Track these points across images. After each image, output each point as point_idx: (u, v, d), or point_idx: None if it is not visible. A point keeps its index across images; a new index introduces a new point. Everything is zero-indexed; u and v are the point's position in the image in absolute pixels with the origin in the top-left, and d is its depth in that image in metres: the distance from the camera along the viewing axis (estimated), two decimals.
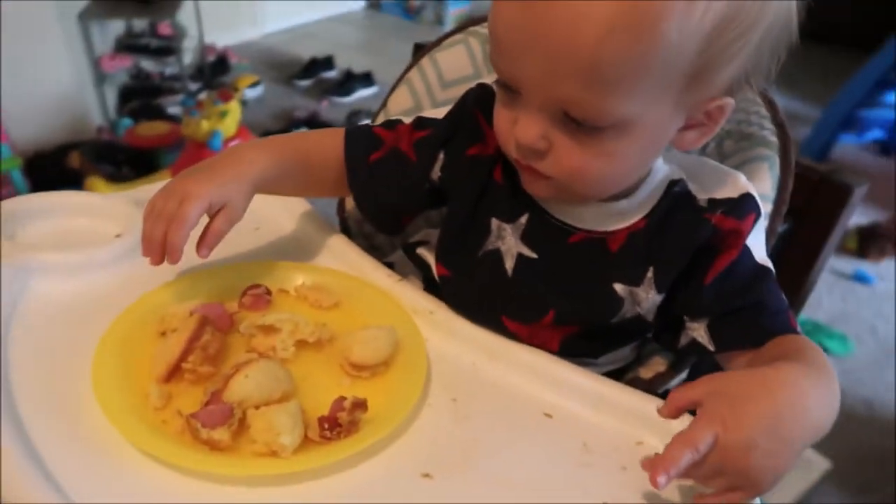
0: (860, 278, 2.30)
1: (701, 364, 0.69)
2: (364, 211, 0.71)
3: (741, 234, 0.57)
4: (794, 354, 0.53)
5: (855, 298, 2.22)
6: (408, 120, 0.69)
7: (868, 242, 2.40)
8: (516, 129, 0.53)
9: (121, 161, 2.39)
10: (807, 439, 0.47)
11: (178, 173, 0.61)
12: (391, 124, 0.69)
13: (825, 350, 1.93)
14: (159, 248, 0.56)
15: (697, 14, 0.45)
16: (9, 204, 0.69)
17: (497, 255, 0.63)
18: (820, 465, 1.58)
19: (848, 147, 3.06)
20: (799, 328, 0.58)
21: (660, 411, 0.49)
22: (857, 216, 2.51)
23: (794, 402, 0.46)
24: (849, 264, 2.36)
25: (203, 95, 2.69)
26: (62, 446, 0.48)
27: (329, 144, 0.69)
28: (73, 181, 2.21)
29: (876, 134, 3.05)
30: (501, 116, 0.56)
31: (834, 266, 2.34)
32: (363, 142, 0.68)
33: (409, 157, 0.66)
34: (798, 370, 0.49)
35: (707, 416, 0.45)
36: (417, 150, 0.66)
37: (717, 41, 0.47)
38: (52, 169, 2.30)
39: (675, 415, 0.49)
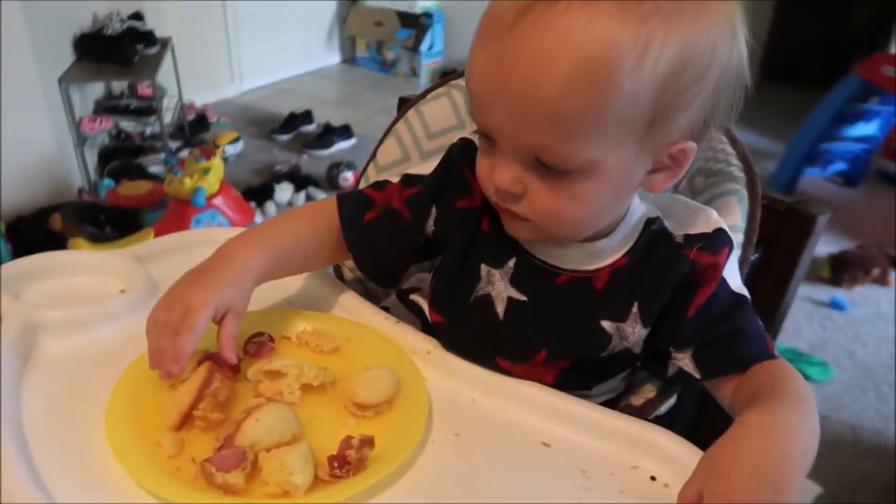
0: (836, 305, 2.36)
1: (688, 388, 0.72)
2: (364, 269, 0.73)
3: (718, 268, 0.61)
4: (774, 386, 0.56)
5: (832, 325, 2.28)
6: (395, 179, 0.72)
7: (840, 271, 2.48)
8: (494, 174, 0.57)
9: (103, 221, 2.40)
10: (803, 471, 0.49)
11: (176, 282, 0.61)
12: (380, 185, 0.72)
13: (807, 377, 1.97)
14: (170, 358, 0.56)
15: (649, 65, 0.49)
16: (12, 265, 0.71)
17: (488, 300, 0.66)
18: (812, 490, 1.60)
19: (813, 179, 3.18)
20: (776, 352, 0.61)
21: None
22: (828, 245, 2.59)
23: (782, 445, 0.49)
24: (825, 292, 2.43)
25: (184, 153, 2.72)
26: (79, 495, 0.50)
27: (320, 217, 0.71)
28: (55, 243, 2.21)
29: (839, 166, 3.17)
30: (482, 163, 0.60)
31: (811, 295, 2.40)
32: (356, 204, 0.71)
33: (403, 214, 0.69)
34: (780, 408, 0.52)
35: (708, 499, 0.47)
36: (410, 206, 0.69)
37: (670, 89, 0.51)
38: (33, 232, 2.30)
39: None
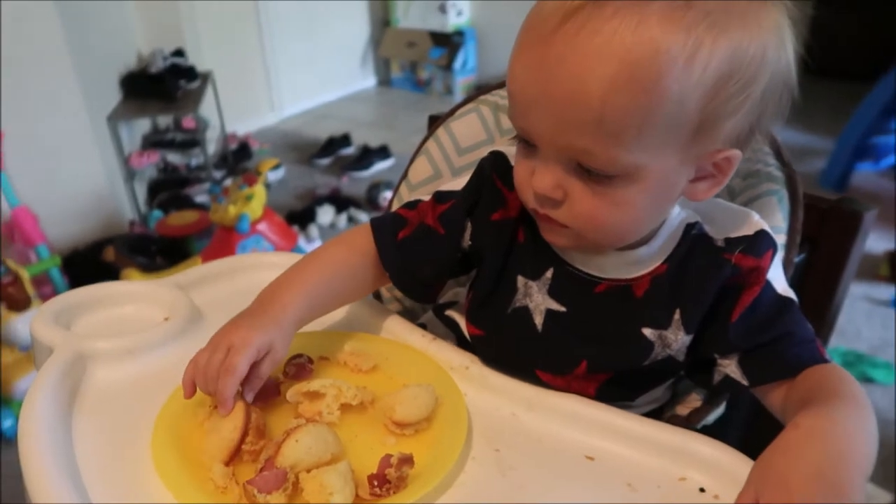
0: None
1: (739, 397, 0.70)
2: (401, 287, 0.72)
3: (761, 271, 0.59)
4: (828, 390, 0.54)
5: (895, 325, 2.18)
6: (426, 197, 0.72)
7: None
8: (534, 179, 0.56)
9: (154, 252, 2.48)
10: (863, 473, 0.47)
11: (221, 328, 0.62)
12: (412, 205, 0.72)
13: (870, 380, 1.90)
14: (219, 402, 0.57)
15: (697, 71, 0.49)
16: (62, 298, 0.74)
17: (526, 313, 0.65)
18: (881, 498, 1.53)
19: (866, 175, 3.07)
20: (828, 356, 0.59)
21: None
22: (885, 242, 2.49)
23: (839, 449, 0.47)
24: (884, 291, 2.33)
25: (228, 182, 2.79)
26: None
27: (355, 245, 0.71)
28: (109, 275, 2.29)
29: (892, 160, 3.05)
30: (521, 167, 0.59)
31: (869, 294, 2.31)
32: (389, 226, 0.71)
33: (438, 231, 0.68)
34: (835, 411, 0.50)
35: None
36: (444, 222, 0.69)
37: (717, 96, 0.50)
38: (88, 264, 2.39)
39: None
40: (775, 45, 0.52)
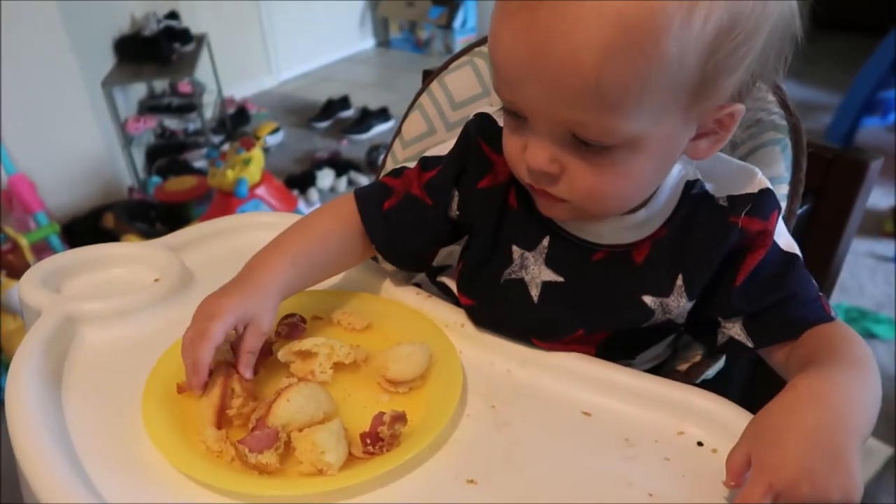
0: None
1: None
2: (391, 260, 0.71)
3: (768, 234, 0.58)
4: (831, 350, 0.52)
5: None
6: (412, 164, 0.69)
7: None
8: (527, 154, 0.53)
9: (153, 218, 2.47)
10: (861, 437, 0.46)
11: (204, 299, 0.60)
12: (397, 173, 0.70)
13: (874, 336, 1.89)
14: (190, 370, 0.56)
15: (696, 26, 0.45)
16: (50, 261, 0.73)
17: (521, 285, 0.63)
18: (882, 452, 1.54)
19: (873, 130, 3.02)
20: (833, 313, 0.57)
21: (726, 483, 0.48)
22: (890, 198, 2.46)
23: (838, 413, 0.46)
24: (889, 247, 2.31)
25: (226, 147, 2.77)
26: (118, 480, 0.50)
27: (341, 215, 0.69)
28: (109, 241, 2.26)
29: None
30: (511, 143, 0.56)
31: (873, 250, 2.29)
32: (374, 196, 0.68)
33: (425, 201, 0.66)
34: (837, 372, 0.49)
35: (756, 470, 0.45)
36: (430, 191, 0.66)
37: (719, 51, 0.47)
38: (87, 231, 2.38)
39: (741, 479, 0.47)
40: None
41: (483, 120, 0.65)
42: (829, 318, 0.57)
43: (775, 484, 0.43)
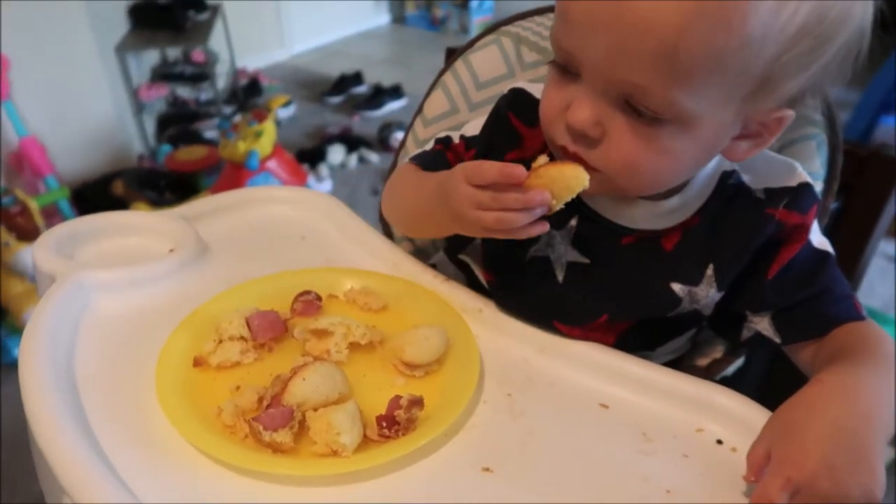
0: None
1: (758, 349, 0.68)
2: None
3: (806, 228, 0.56)
4: (857, 346, 0.51)
5: None
6: (457, 137, 0.68)
7: None
8: (570, 111, 0.50)
9: (163, 186, 2.45)
10: (884, 439, 0.45)
11: (437, 191, 0.57)
12: (447, 143, 0.68)
13: None
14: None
15: (784, 16, 0.43)
16: (64, 226, 0.72)
17: (546, 263, 0.62)
18: (885, 453, 1.53)
19: (889, 129, 2.97)
20: (864, 312, 0.56)
21: (745, 478, 0.47)
22: None
23: (863, 408, 0.45)
24: None
25: (238, 118, 2.75)
26: (129, 451, 0.50)
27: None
28: (118, 208, 2.25)
29: None
30: (551, 98, 0.53)
31: (885, 250, 2.27)
32: (436, 165, 0.66)
33: None
34: (864, 368, 0.48)
35: (775, 464, 0.44)
36: None
37: (793, 49, 0.45)
38: (97, 198, 2.37)
39: (761, 474, 0.45)
40: (863, 4, 0.46)
41: (517, 94, 0.64)
42: (861, 317, 0.55)
43: (794, 478, 0.42)
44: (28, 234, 1.87)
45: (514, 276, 0.64)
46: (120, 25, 2.83)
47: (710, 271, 0.57)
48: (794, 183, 0.57)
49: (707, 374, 0.61)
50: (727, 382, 0.58)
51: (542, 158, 0.52)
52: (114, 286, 0.64)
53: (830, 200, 0.67)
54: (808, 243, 0.56)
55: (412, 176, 0.66)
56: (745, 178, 0.58)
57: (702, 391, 0.56)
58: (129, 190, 2.35)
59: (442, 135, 0.70)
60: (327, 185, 2.67)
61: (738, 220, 0.57)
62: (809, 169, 0.65)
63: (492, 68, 0.82)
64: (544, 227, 0.52)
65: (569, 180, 0.50)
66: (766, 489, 0.43)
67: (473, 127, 0.68)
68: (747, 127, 0.51)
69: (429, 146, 0.70)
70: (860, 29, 0.47)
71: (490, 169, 0.50)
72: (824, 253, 0.57)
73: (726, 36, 0.43)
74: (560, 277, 0.62)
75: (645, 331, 0.62)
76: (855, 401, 0.45)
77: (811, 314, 0.56)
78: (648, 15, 0.43)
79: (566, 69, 0.51)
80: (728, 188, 0.58)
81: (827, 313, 0.55)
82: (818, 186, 0.66)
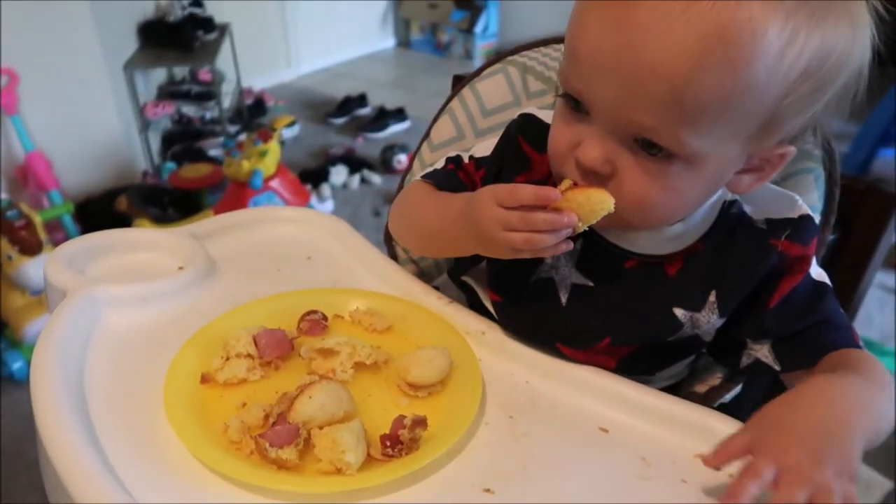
0: None
1: (755, 376, 0.69)
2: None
3: (807, 259, 0.58)
4: (850, 365, 0.53)
5: None
6: (467, 157, 0.70)
7: None
8: (580, 149, 0.52)
9: (166, 203, 2.47)
10: (862, 442, 0.46)
11: (468, 209, 0.58)
12: (458, 163, 0.70)
13: None
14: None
15: (788, 61, 0.45)
16: (76, 242, 0.73)
17: (551, 285, 0.63)
18: (882, 485, 1.53)
19: (887, 161, 3.01)
20: (861, 343, 0.57)
21: (706, 461, 0.48)
22: None
23: (844, 409, 0.47)
24: None
25: (243, 137, 2.77)
26: (137, 465, 0.51)
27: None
28: (121, 224, 2.28)
29: None
30: (561, 135, 0.55)
31: (882, 281, 2.29)
32: (450, 186, 0.68)
33: None
34: (848, 381, 0.49)
35: (763, 449, 0.45)
36: None
37: (795, 91, 0.47)
38: (100, 213, 2.39)
39: (724, 463, 0.47)
40: (861, 45, 0.48)
41: (527, 119, 0.66)
42: (858, 346, 0.57)
43: (781, 461, 0.43)
44: (31, 248, 1.88)
45: (518, 297, 0.65)
46: (129, 43, 2.87)
47: (712, 297, 0.59)
48: (795, 215, 0.58)
49: (705, 400, 0.62)
50: (725, 409, 0.59)
51: (567, 182, 0.54)
52: (124, 301, 0.65)
53: (828, 233, 0.69)
54: (808, 275, 0.58)
55: (429, 195, 0.68)
56: (747, 208, 0.60)
57: (700, 417, 0.57)
58: (133, 206, 2.37)
59: (452, 154, 0.72)
60: (329, 205, 2.69)
61: (741, 249, 0.58)
62: (808, 202, 0.66)
63: (498, 96, 0.84)
64: (569, 246, 0.54)
65: (594, 204, 0.52)
66: (755, 467, 0.44)
67: (483, 148, 0.70)
68: (750, 162, 0.53)
69: (439, 164, 0.72)
70: (859, 69, 0.49)
71: (525, 191, 0.52)
72: (823, 284, 0.58)
73: (732, 80, 0.45)
74: (563, 299, 0.63)
75: (646, 356, 0.63)
76: (837, 402, 0.47)
77: (811, 342, 0.57)
78: (657, 60, 0.45)
79: (576, 105, 0.53)
80: (730, 217, 0.59)
81: (826, 342, 0.57)
82: (816, 219, 0.68)
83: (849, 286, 0.73)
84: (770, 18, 0.44)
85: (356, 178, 2.87)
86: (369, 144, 3.23)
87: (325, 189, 2.75)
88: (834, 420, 0.46)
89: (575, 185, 0.54)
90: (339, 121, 3.48)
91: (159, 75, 3.17)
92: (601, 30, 0.48)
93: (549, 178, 0.61)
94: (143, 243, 0.75)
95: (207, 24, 3.08)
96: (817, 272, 0.59)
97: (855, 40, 0.48)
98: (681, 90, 0.45)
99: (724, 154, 0.50)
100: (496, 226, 0.54)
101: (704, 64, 0.44)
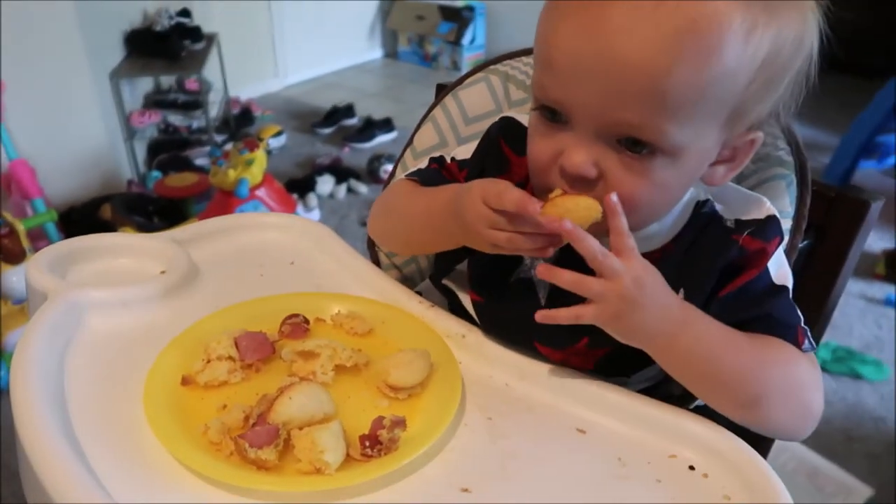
0: (892, 303, 2.27)
1: None
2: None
3: (766, 255, 0.59)
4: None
5: (888, 324, 2.19)
6: (449, 159, 0.71)
7: None
8: (564, 157, 0.53)
9: (151, 212, 2.46)
10: (689, 331, 0.54)
11: (457, 203, 0.58)
12: (441, 163, 0.72)
13: (860, 376, 1.91)
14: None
15: (752, 47, 0.48)
16: (58, 246, 0.73)
17: (530, 285, 0.64)
18: (862, 492, 1.55)
19: (869, 173, 3.06)
20: (807, 346, 0.58)
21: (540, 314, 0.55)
22: (883, 241, 2.49)
23: (693, 321, 0.55)
24: (880, 290, 2.34)
25: (229, 146, 2.77)
26: (116, 465, 0.51)
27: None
28: (105, 233, 2.27)
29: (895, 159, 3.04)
30: (541, 148, 0.56)
31: (865, 292, 2.32)
32: (437, 182, 0.69)
33: None
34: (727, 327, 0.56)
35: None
36: None
37: (759, 77, 0.50)
38: (84, 221, 2.38)
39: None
40: (810, 32, 0.52)
41: (507, 122, 0.67)
42: (798, 346, 0.58)
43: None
44: (14, 256, 1.87)
45: (498, 298, 0.66)
46: (115, 52, 2.87)
47: (680, 295, 0.60)
48: (762, 216, 0.60)
49: (681, 402, 0.63)
50: (700, 411, 0.60)
51: (558, 191, 0.55)
52: (105, 305, 0.66)
53: (799, 238, 0.71)
54: (766, 275, 0.59)
55: (415, 189, 0.69)
56: (719, 207, 0.61)
57: (675, 418, 0.58)
58: (117, 215, 2.36)
59: (436, 155, 0.73)
60: (315, 214, 2.69)
61: (707, 246, 0.60)
62: (779, 207, 0.68)
63: (480, 104, 0.85)
64: (548, 253, 0.55)
65: (582, 210, 0.53)
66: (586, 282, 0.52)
67: (464, 151, 0.71)
68: (722, 154, 0.56)
69: (423, 165, 0.73)
70: (809, 55, 0.53)
71: (510, 197, 0.53)
72: (779, 286, 0.59)
73: (707, 69, 0.48)
74: (542, 300, 0.64)
75: (623, 357, 0.63)
76: (693, 322, 0.55)
77: (748, 331, 0.58)
78: (636, 57, 0.47)
79: (553, 116, 0.54)
80: (702, 216, 0.61)
81: (762, 333, 0.58)
82: (787, 224, 0.70)
83: (821, 292, 0.75)
84: (732, 10, 0.47)
85: (343, 188, 2.88)
86: (356, 154, 3.24)
87: (312, 199, 2.76)
88: (678, 307, 0.54)
89: (564, 193, 0.55)
90: (326, 131, 3.50)
91: (146, 84, 3.17)
92: (576, 37, 0.50)
93: (527, 182, 0.62)
94: (124, 248, 0.75)
95: (195, 33, 3.08)
96: (779, 273, 0.60)
97: (805, 27, 0.51)
98: (662, 84, 0.48)
99: (702, 144, 0.53)
100: (481, 222, 0.55)
101: (680, 56, 0.47)
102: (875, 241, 2.49)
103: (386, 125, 3.43)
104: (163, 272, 0.71)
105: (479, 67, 0.87)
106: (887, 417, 1.80)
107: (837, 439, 1.71)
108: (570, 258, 0.62)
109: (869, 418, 1.80)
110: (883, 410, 1.83)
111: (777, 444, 0.76)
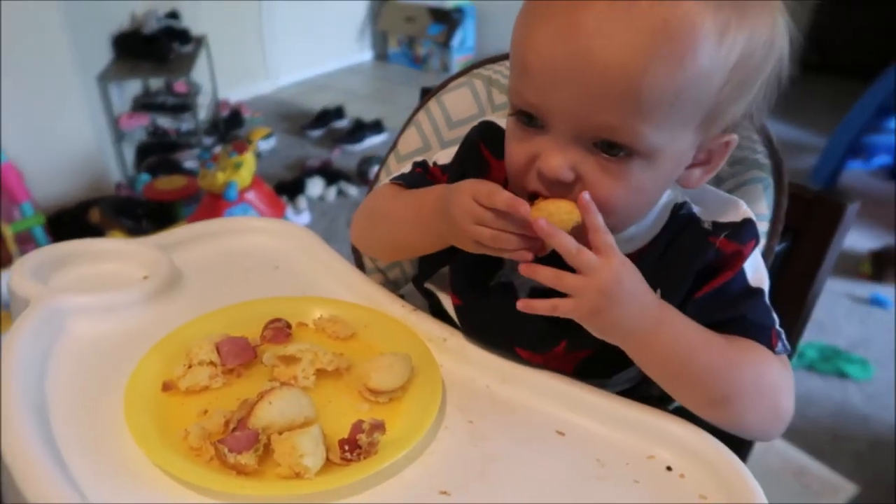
0: (877, 302, 2.29)
1: None
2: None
3: (741, 257, 0.60)
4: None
5: (874, 323, 2.21)
6: (431, 163, 0.72)
7: (883, 267, 2.40)
8: (542, 161, 0.54)
9: (140, 215, 2.46)
10: (666, 327, 0.55)
11: (453, 201, 0.58)
12: (425, 168, 0.72)
13: (846, 375, 1.92)
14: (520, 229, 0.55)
15: (725, 50, 0.49)
16: (41, 252, 0.73)
17: (510, 289, 0.65)
18: (847, 490, 1.56)
19: (856, 173, 3.09)
20: (780, 349, 0.59)
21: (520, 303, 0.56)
22: (869, 241, 2.51)
23: (663, 307, 0.56)
24: (866, 289, 2.36)
25: (218, 149, 2.77)
26: (95, 469, 0.51)
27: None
28: (93, 236, 2.25)
29: (882, 159, 3.07)
30: (518, 152, 0.56)
31: (851, 291, 2.34)
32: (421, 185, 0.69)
33: None
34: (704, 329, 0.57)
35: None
36: None
37: (733, 78, 0.51)
38: (73, 225, 2.37)
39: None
40: (781, 33, 0.52)
41: (487, 126, 0.68)
42: (771, 348, 0.58)
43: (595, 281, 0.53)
44: (1, 260, 1.87)
45: (479, 301, 0.67)
46: (103, 54, 2.86)
47: (657, 295, 0.61)
48: (738, 219, 0.61)
49: (660, 403, 0.63)
50: (678, 412, 0.60)
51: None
52: (88, 311, 0.66)
53: (776, 241, 0.71)
54: (742, 277, 0.60)
55: (400, 192, 0.70)
56: (697, 209, 0.62)
57: (654, 420, 0.59)
58: (106, 218, 2.35)
59: (419, 159, 0.74)
60: (305, 217, 2.69)
61: (684, 247, 0.61)
62: (756, 210, 0.69)
63: (463, 108, 0.85)
64: (528, 257, 0.56)
65: (563, 213, 0.54)
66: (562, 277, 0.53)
67: (445, 155, 0.72)
68: (697, 157, 0.56)
69: (406, 169, 0.74)
70: (781, 57, 0.54)
71: (500, 196, 0.54)
72: (755, 289, 0.60)
73: (682, 73, 0.48)
74: None
75: (602, 359, 0.64)
76: (679, 322, 0.56)
77: (721, 332, 0.59)
78: (612, 60, 0.48)
79: (529, 121, 0.55)
80: (679, 218, 0.62)
81: (736, 334, 0.59)
82: (763, 227, 0.71)
83: (799, 293, 0.75)
84: (703, 10, 0.48)
85: (333, 191, 2.88)
86: (346, 156, 3.24)
87: (302, 201, 2.76)
88: (656, 305, 0.55)
89: (546, 198, 0.55)
90: (316, 133, 3.50)
91: (134, 87, 3.16)
92: (551, 41, 0.50)
93: (506, 185, 0.62)
94: (108, 253, 0.76)
95: (183, 35, 3.08)
96: (755, 275, 0.61)
97: (776, 29, 0.52)
98: (637, 85, 0.48)
99: (678, 147, 0.53)
100: (468, 218, 0.56)
101: (654, 57, 0.47)
102: (861, 240, 2.52)
103: (376, 127, 3.43)
104: (146, 277, 0.72)
105: (463, 72, 0.87)
106: (873, 416, 1.82)
107: (823, 438, 1.72)
108: (553, 264, 0.63)
109: (855, 417, 1.82)
110: (869, 409, 1.84)
111: (763, 443, 0.77)
